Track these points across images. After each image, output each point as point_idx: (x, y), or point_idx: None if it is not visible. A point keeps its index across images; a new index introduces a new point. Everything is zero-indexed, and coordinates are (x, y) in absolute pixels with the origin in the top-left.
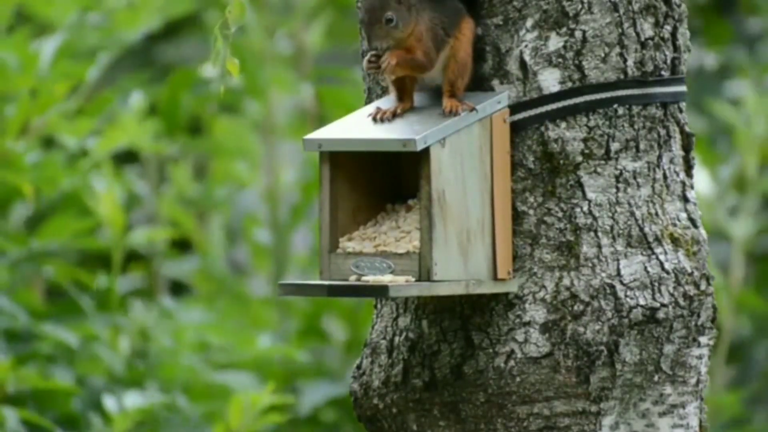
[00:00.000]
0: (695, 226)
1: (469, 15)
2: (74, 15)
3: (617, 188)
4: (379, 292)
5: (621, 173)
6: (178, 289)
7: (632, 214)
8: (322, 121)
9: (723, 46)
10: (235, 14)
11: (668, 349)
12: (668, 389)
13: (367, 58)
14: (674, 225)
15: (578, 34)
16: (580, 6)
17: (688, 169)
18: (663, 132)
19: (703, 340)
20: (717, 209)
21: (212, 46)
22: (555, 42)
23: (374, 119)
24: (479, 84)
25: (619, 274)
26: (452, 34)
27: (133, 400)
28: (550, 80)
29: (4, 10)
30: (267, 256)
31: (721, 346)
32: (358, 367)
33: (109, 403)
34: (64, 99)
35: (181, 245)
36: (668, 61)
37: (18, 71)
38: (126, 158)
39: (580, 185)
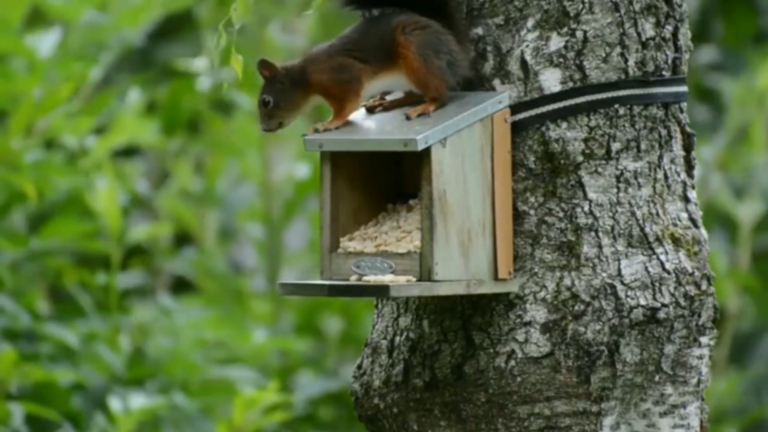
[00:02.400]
0: (696, 226)
1: (408, 18)
2: (81, 13)
3: (618, 188)
4: (380, 292)
5: (622, 173)
6: (180, 284)
7: (633, 214)
8: (319, 119)
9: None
10: (241, 12)
11: (669, 349)
12: (669, 389)
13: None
14: (675, 225)
15: (579, 34)
16: (581, 6)
17: (689, 169)
18: (664, 132)
19: (703, 340)
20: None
21: (216, 43)
22: (556, 42)
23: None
24: (480, 84)
25: (619, 274)
26: (378, 58)
27: (137, 401)
28: (551, 80)
29: (17, 10)
30: (261, 251)
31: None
32: (359, 367)
33: (114, 404)
34: (67, 100)
35: (182, 240)
36: (669, 61)
37: (22, 73)
38: (128, 153)
39: (581, 185)
